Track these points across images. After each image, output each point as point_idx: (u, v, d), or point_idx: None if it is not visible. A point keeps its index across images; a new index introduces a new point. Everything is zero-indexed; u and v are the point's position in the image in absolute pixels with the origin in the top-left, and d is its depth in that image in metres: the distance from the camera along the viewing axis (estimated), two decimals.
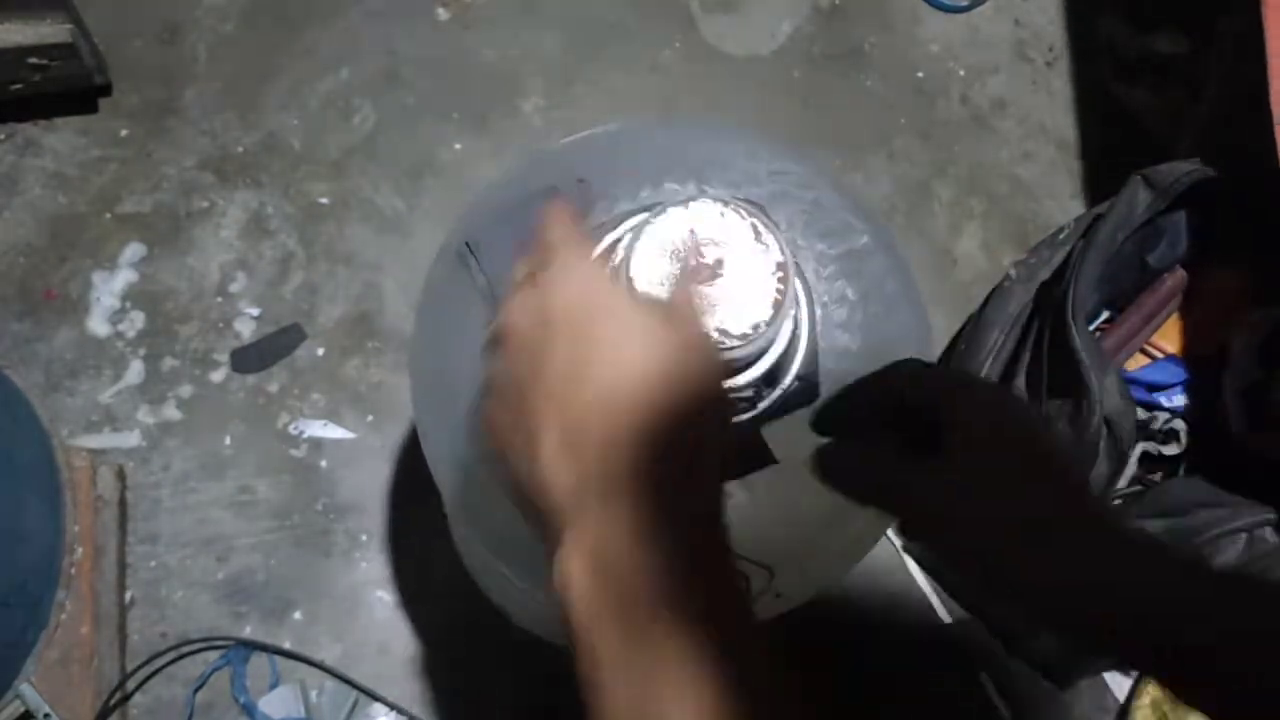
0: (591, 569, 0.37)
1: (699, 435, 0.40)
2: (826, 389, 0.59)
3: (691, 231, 0.49)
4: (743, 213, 0.50)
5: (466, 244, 0.61)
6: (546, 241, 0.45)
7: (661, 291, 0.48)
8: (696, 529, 0.38)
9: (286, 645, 1.14)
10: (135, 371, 1.24)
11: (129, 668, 1.11)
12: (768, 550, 0.56)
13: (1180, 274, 1.09)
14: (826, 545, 0.62)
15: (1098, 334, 1.11)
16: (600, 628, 0.36)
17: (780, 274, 0.49)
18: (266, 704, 1.11)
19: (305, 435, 1.23)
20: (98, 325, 1.26)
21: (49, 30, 1.19)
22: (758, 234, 0.49)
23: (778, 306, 0.49)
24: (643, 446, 0.38)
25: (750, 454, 0.57)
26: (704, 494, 0.39)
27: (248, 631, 1.15)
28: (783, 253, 0.50)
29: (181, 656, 1.13)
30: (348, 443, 1.23)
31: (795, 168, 0.65)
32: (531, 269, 0.45)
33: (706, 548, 0.38)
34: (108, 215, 1.31)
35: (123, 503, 1.17)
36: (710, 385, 0.42)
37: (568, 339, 0.41)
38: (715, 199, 0.50)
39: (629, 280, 0.49)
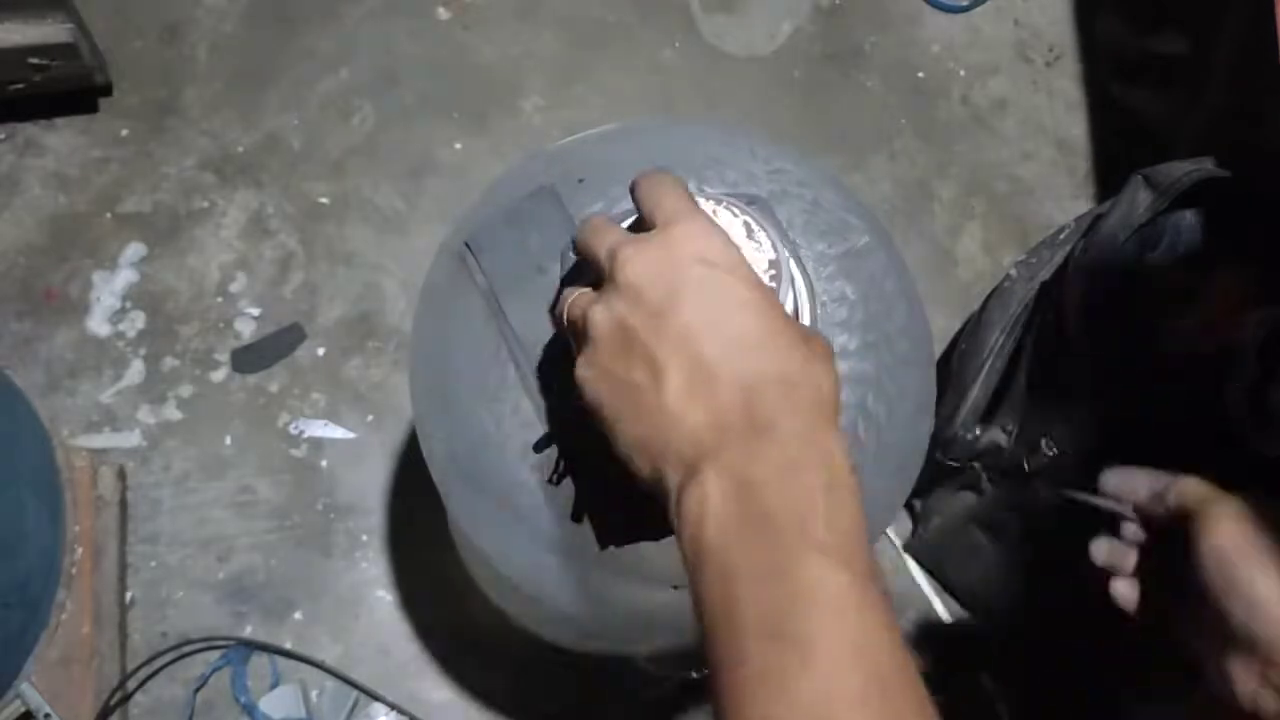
0: (735, 494, 0.39)
1: (832, 389, 0.43)
2: None
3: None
4: (735, 210, 0.50)
5: (466, 244, 0.61)
6: (664, 204, 0.46)
7: None
8: (838, 468, 0.40)
9: (287, 645, 1.14)
10: (135, 371, 1.24)
11: (129, 667, 1.11)
12: None
13: (1181, 274, 1.09)
14: None
15: None
16: (743, 546, 0.38)
17: (773, 271, 0.48)
18: (267, 704, 1.11)
19: (305, 435, 1.23)
20: (98, 325, 1.26)
21: (50, 30, 1.19)
22: (750, 231, 0.49)
23: None
24: (788, 392, 0.41)
25: None
26: (839, 442, 0.41)
27: (248, 631, 1.15)
28: (775, 250, 0.49)
29: (182, 656, 1.13)
30: (348, 443, 1.23)
31: (794, 167, 0.65)
32: (641, 228, 0.46)
33: (846, 487, 0.40)
34: (108, 215, 1.31)
35: (123, 503, 1.17)
36: (826, 367, 0.44)
37: (701, 288, 0.42)
38: (708, 197, 0.50)
39: None
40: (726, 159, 0.64)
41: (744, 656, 0.37)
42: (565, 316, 0.48)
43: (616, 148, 0.66)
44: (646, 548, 0.58)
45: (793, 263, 0.54)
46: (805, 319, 0.56)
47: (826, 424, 0.41)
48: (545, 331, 0.58)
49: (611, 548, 0.57)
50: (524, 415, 0.58)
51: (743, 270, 0.43)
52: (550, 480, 0.58)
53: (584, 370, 0.45)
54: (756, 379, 0.41)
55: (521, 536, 0.59)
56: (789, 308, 0.51)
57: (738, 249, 0.45)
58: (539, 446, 0.59)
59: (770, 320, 0.42)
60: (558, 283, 0.58)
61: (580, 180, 0.61)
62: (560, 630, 0.89)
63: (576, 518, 0.58)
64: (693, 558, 0.40)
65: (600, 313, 0.44)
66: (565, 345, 0.55)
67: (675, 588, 0.58)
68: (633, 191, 0.48)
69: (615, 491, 0.58)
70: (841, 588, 0.37)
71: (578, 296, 0.47)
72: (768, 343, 0.42)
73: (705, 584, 0.39)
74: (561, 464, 0.58)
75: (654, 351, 0.42)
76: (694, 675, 1.08)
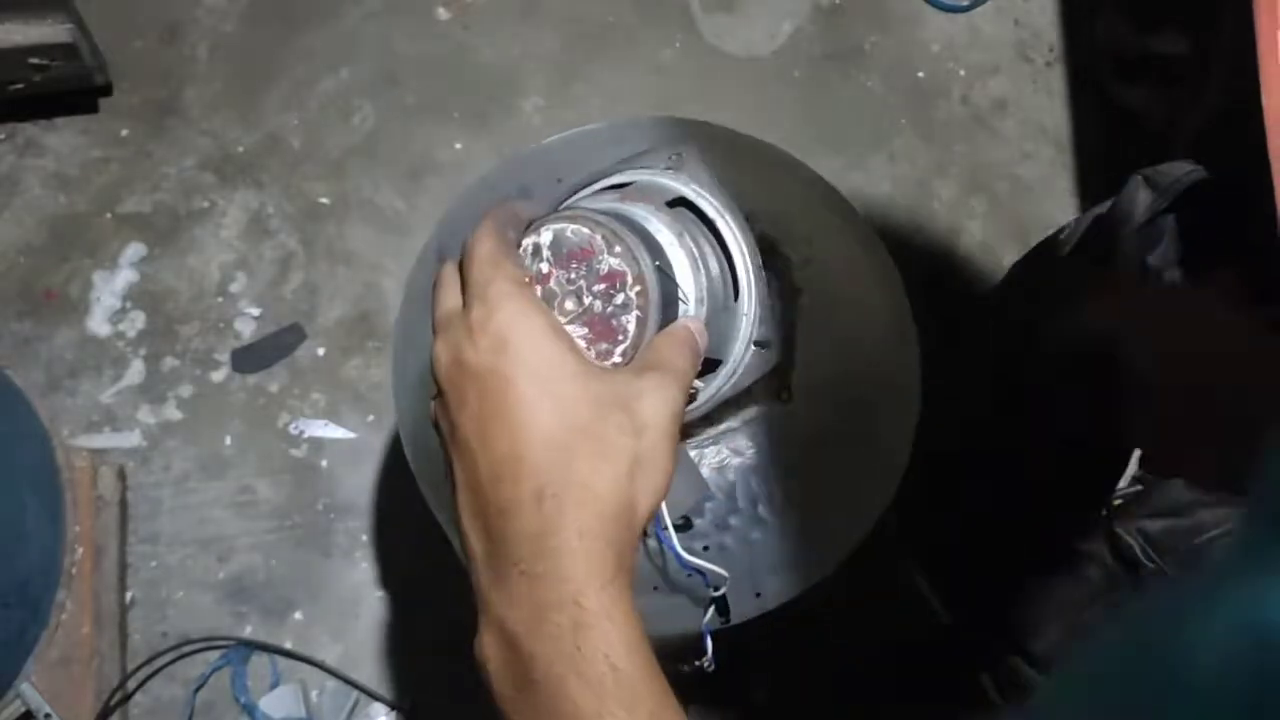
0: (505, 652, 0.39)
1: (608, 484, 0.39)
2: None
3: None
4: (592, 225, 0.46)
5: (437, 251, 0.61)
6: (471, 275, 0.43)
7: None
8: (586, 601, 0.38)
9: (287, 645, 1.14)
10: (136, 371, 1.24)
11: (129, 667, 1.11)
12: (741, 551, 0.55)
13: (1181, 274, 1.09)
14: (802, 548, 0.61)
15: None
16: (516, 709, 0.39)
17: (638, 287, 0.45)
18: (267, 704, 1.11)
19: (305, 435, 1.23)
20: (98, 325, 1.26)
21: (50, 30, 1.19)
22: (610, 245, 0.45)
23: (641, 325, 0.45)
24: (545, 511, 0.38)
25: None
26: (594, 557, 0.38)
27: (248, 631, 1.15)
28: (638, 261, 0.45)
29: (182, 656, 1.13)
30: (348, 443, 1.23)
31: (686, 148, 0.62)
32: (463, 298, 0.43)
33: (596, 620, 0.38)
34: (108, 215, 1.31)
35: (123, 503, 1.17)
36: (623, 445, 0.40)
37: (480, 392, 0.40)
38: (563, 216, 0.46)
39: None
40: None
41: None
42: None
43: (597, 146, 0.66)
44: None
45: (679, 262, 0.50)
46: (747, 305, 0.53)
47: (585, 539, 0.38)
48: None
49: None
50: None
51: (530, 354, 0.40)
52: None
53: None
54: (512, 502, 0.39)
55: None
56: (693, 295, 0.49)
57: (534, 320, 0.41)
58: None
59: (541, 420, 0.39)
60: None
61: (559, 180, 0.61)
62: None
63: None
64: (497, 713, 0.40)
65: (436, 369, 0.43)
66: None
67: (655, 589, 0.58)
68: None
69: None
70: None
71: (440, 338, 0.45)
72: (530, 454, 0.39)
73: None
74: None
75: (451, 457, 0.42)
76: (684, 669, 1.08)
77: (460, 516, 0.41)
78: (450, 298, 0.44)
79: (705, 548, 0.59)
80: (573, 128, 0.69)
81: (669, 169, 0.55)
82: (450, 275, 0.45)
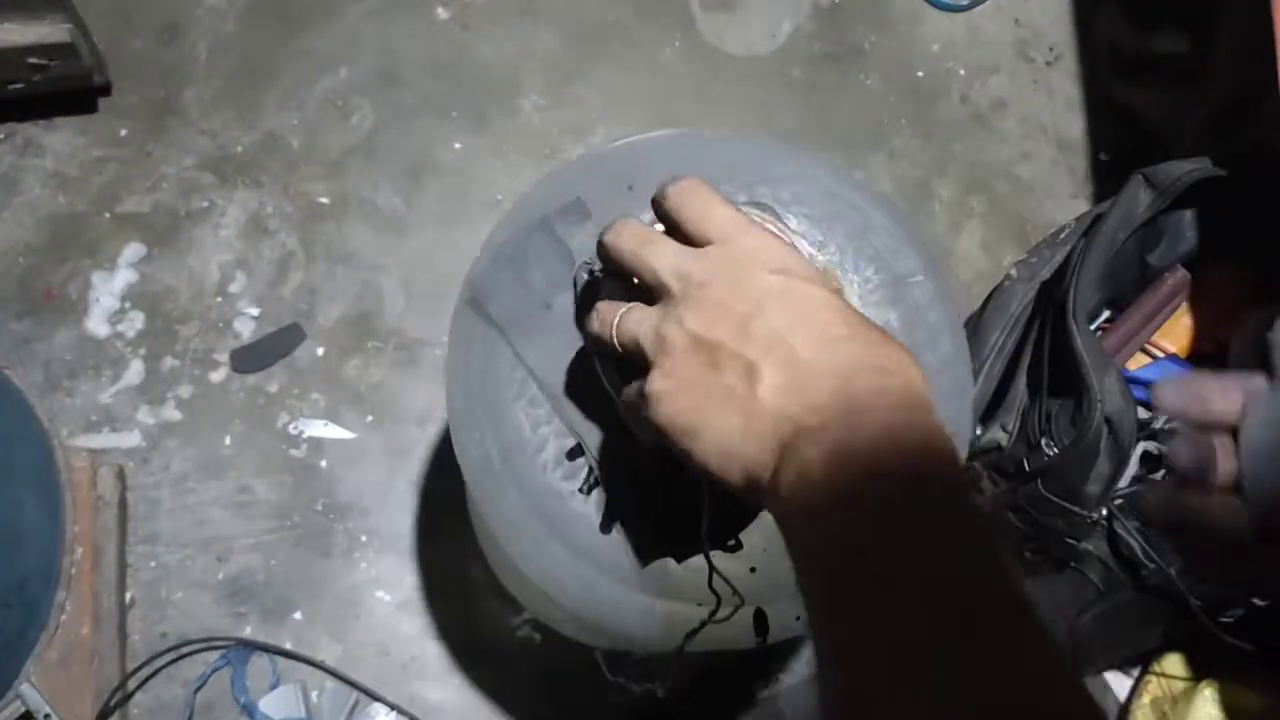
0: (837, 460, 0.40)
1: (921, 379, 0.43)
2: None
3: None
4: (753, 216, 0.50)
5: (472, 295, 0.62)
6: (714, 216, 0.47)
7: None
8: (935, 436, 0.41)
9: (287, 645, 1.14)
10: (135, 371, 1.24)
11: (129, 668, 1.10)
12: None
13: (1181, 273, 1.09)
14: None
15: (1098, 333, 1.11)
16: (847, 509, 0.39)
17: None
18: (267, 704, 1.11)
19: (305, 435, 1.23)
20: (97, 325, 1.25)
21: (49, 30, 1.19)
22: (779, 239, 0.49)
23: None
24: (884, 378, 0.42)
25: None
26: (935, 416, 0.42)
27: (248, 632, 1.15)
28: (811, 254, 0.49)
29: (181, 657, 1.13)
30: (347, 443, 1.23)
31: (850, 191, 0.65)
32: (686, 241, 0.47)
33: (943, 449, 0.41)
34: (107, 215, 1.31)
35: (122, 503, 1.16)
36: (912, 355, 0.45)
37: (784, 294, 0.44)
38: (741, 205, 0.50)
39: None
40: (779, 176, 0.65)
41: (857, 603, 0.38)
42: (615, 335, 0.48)
43: (668, 155, 0.67)
44: (671, 568, 0.59)
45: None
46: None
47: (922, 406, 0.42)
48: (563, 361, 0.60)
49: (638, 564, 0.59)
50: (558, 425, 0.60)
51: (815, 275, 0.45)
52: (581, 490, 0.59)
53: (661, 384, 0.45)
54: (852, 367, 0.42)
55: (551, 544, 0.59)
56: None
57: (801, 255, 0.46)
58: (571, 455, 0.59)
59: (853, 317, 0.44)
60: (571, 306, 0.60)
61: (629, 187, 0.62)
62: (570, 626, 0.89)
63: (605, 529, 0.59)
64: (798, 519, 0.41)
65: (674, 329, 0.45)
66: (590, 362, 0.56)
67: (699, 605, 0.58)
68: (662, 200, 0.49)
69: (647, 508, 0.58)
70: (948, 540, 0.38)
71: (633, 314, 0.47)
72: (857, 336, 0.43)
73: (813, 550, 0.40)
74: (594, 476, 0.59)
75: (745, 355, 0.43)
76: (659, 694, 1.13)
77: (767, 395, 0.42)
78: (672, 249, 0.47)
79: (752, 569, 0.59)
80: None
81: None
82: (650, 232, 0.48)
